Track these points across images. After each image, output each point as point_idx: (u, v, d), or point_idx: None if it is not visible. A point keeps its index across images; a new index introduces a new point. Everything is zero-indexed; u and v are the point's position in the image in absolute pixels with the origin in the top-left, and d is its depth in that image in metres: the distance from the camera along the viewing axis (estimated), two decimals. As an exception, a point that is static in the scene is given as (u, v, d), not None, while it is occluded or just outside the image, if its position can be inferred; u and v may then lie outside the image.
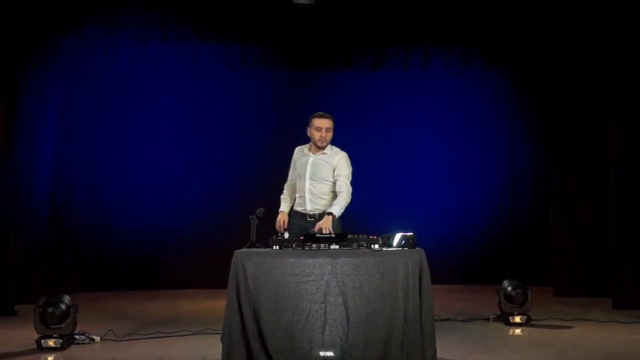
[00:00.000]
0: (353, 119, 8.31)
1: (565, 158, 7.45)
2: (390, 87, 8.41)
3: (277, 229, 4.73)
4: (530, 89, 8.11)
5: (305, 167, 4.84)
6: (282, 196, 5.01)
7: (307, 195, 4.82)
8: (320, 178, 4.82)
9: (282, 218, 4.83)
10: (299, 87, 8.22)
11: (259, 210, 4.52)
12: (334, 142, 4.91)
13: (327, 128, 4.79)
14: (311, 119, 4.84)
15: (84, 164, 8.12)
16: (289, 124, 8.20)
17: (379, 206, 7.83)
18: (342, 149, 4.92)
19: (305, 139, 4.98)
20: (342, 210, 4.67)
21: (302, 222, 4.80)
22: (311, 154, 4.86)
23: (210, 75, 8.14)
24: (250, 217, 4.46)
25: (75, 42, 7.39)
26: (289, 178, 5.03)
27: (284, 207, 4.93)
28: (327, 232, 4.40)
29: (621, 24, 6.35)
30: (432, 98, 8.54)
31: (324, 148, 4.83)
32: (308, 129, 4.86)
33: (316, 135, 4.80)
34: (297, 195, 4.90)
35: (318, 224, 4.55)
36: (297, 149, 5.00)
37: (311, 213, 4.80)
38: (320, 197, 4.81)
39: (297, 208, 4.90)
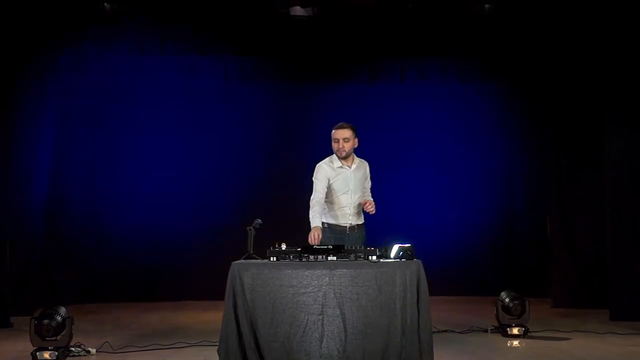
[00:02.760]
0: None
1: (561, 169, 7.46)
2: (386, 99, 8.44)
3: (311, 242, 4.56)
4: (526, 102, 8.14)
5: (349, 181, 4.87)
6: (313, 213, 4.75)
7: (352, 210, 4.88)
8: (362, 190, 4.96)
9: (317, 232, 4.61)
10: (296, 99, 8.24)
11: (256, 221, 4.52)
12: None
13: (345, 138, 4.82)
14: (332, 131, 4.89)
15: (81, 175, 8.10)
16: (285, 135, 8.22)
17: (376, 217, 7.81)
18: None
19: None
20: None
21: (340, 235, 4.81)
22: (347, 167, 4.89)
23: (208, 87, 8.16)
24: (248, 228, 4.46)
25: (73, 55, 7.41)
26: (318, 196, 4.79)
27: (318, 222, 4.73)
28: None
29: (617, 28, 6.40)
30: (428, 110, 8.56)
31: (345, 158, 4.87)
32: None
33: (334, 146, 4.86)
34: (337, 212, 4.86)
35: (368, 208, 4.75)
36: (323, 164, 4.87)
37: (356, 224, 4.89)
38: (359, 209, 4.92)
39: (335, 221, 4.86)
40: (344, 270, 4.11)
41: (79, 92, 7.90)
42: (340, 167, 4.89)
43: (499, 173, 8.57)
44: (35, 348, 4.64)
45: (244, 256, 4.37)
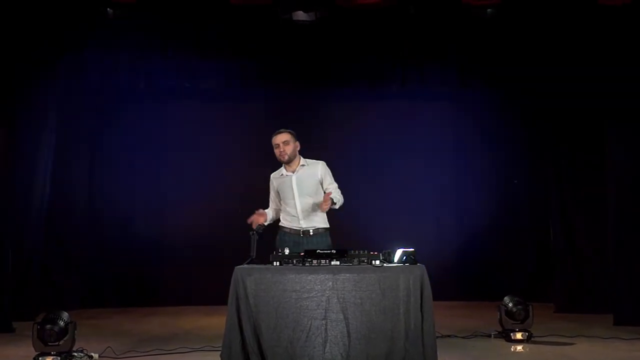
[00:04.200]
0: (351, 135, 8.32)
1: (563, 174, 7.44)
2: (388, 103, 8.44)
3: (250, 222, 4.69)
4: (528, 106, 8.13)
5: (291, 186, 4.86)
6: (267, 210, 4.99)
7: (300, 214, 4.83)
8: (307, 193, 4.84)
9: (258, 213, 4.77)
10: (298, 104, 8.23)
11: (258, 226, 4.53)
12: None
13: (284, 141, 4.87)
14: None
15: (83, 180, 8.10)
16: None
17: (379, 222, 7.82)
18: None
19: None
20: (338, 203, 4.74)
21: (296, 238, 4.81)
22: (290, 173, 4.89)
23: (210, 92, 8.16)
24: (250, 233, 4.46)
25: (75, 60, 7.41)
26: (270, 206, 5.00)
27: (267, 210, 4.91)
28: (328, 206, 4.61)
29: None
30: (429, 114, 8.56)
31: (288, 163, 4.87)
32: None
33: (276, 152, 4.90)
34: (288, 216, 4.88)
35: (321, 206, 4.67)
36: (272, 176, 5.01)
37: (306, 229, 4.81)
38: (312, 213, 4.83)
39: (289, 225, 4.87)
40: (347, 274, 4.11)
41: (80, 96, 7.90)
42: (283, 174, 4.93)
43: (501, 178, 8.56)
44: (37, 353, 4.63)
45: (247, 261, 4.36)
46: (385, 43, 7.45)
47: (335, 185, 4.88)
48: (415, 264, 4.25)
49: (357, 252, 4.33)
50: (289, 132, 4.92)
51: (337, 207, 4.77)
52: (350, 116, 8.37)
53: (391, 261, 4.33)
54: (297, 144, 4.93)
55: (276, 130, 4.95)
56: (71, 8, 6.73)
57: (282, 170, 4.96)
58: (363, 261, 4.25)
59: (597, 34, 6.65)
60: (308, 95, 8.20)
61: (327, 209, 4.76)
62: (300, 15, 6.38)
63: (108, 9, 6.24)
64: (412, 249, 4.31)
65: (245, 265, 4.26)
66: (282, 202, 4.94)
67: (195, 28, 7.24)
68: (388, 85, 8.05)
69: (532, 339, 5.44)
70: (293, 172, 4.88)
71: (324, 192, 4.81)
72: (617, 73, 6.48)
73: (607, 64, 6.57)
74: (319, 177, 4.89)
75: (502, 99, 8.37)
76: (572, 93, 7.24)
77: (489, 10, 6.71)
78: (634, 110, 6.43)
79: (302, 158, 4.95)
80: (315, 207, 4.81)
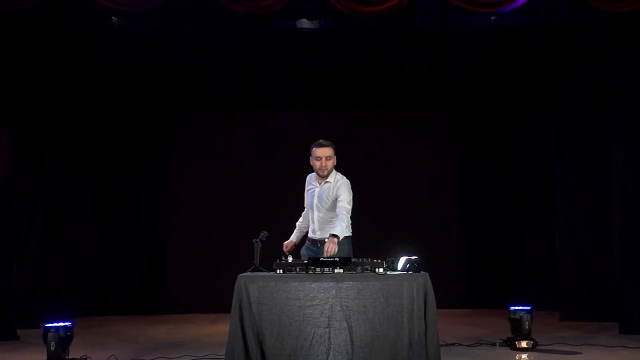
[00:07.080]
0: (356, 144, 8.33)
1: (567, 178, 7.41)
2: (391, 114, 8.47)
3: (285, 252, 4.84)
4: (529, 110, 8.13)
5: (313, 197, 4.90)
6: (297, 222, 5.11)
7: (317, 225, 4.87)
8: (324, 208, 4.85)
9: (287, 243, 4.96)
10: (302, 112, 8.25)
11: (262, 234, 4.52)
12: (340, 168, 4.94)
13: (327, 156, 4.78)
14: (311, 149, 4.86)
15: (87, 187, 8.12)
16: (293, 153, 8.21)
17: (382, 230, 7.81)
18: (351, 174, 4.94)
19: (304, 163, 5.01)
20: (345, 230, 4.59)
21: (313, 248, 4.85)
22: (317, 184, 4.90)
23: (218, 100, 8.20)
24: (254, 240, 4.46)
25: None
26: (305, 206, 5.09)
27: (293, 237, 5.04)
28: (333, 252, 4.36)
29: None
30: (433, 123, 8.57)
31: (326, 176, 4.83)
32: (310, 158, 4.86)
33: (316, 164, 4.82)
34: (311, 223, 4.95)
35: (324, 249, 4.43)
36: (307, 177, 5.01)
37: (320, 238, 4.80)
38: (328, 225, 4.80)
39: (310, 235, 4.96)
40: (351, 282, 4.10)
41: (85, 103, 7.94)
42: (312, 184, 4.93)
43: (505, 183, 8.53)
44: (44, 361, 4.65)
45: (251, 269, 4.36)
46: (388, 51, 7.46)
47: (346, 206, 4.69)
48: (419, 271, 4.24)
49: (360, 260, 4.33)
50: (332, 147, 4.83)
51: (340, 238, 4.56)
52: (352, 126, 8.38)
53: (395, 269, 4.33)
54: (335, 158, 4.86)
55: (318, 141, 4.83)
56: (77, 17, 6.76)
57: (313, 177, 4.94)
58: (366, 269, 4.25)
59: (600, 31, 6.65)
60: (312, 103, 8.22)
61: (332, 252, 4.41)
62: (304, 23, 6.41)
63: (113, 17, 6.26)
64: (416, 257, 4.31)
65: (249, 273, 4.26)
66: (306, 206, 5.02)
67: (199, 36, 7.27)
68: (393, 94, 8.08)
69: (537, 347, 5.41)
70: (319, 184, 4.88)
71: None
72: (618, 74, 6.47)
73: (609, 64, 6.56)
74: (335, 195, 4.78)
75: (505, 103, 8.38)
76: (574, 92, 7.23)
77: (492, 18, 6.73)
78: (636, 110, 6.40)
79: (333, 173, 4.85)
80: (331, 219, 4.76)
